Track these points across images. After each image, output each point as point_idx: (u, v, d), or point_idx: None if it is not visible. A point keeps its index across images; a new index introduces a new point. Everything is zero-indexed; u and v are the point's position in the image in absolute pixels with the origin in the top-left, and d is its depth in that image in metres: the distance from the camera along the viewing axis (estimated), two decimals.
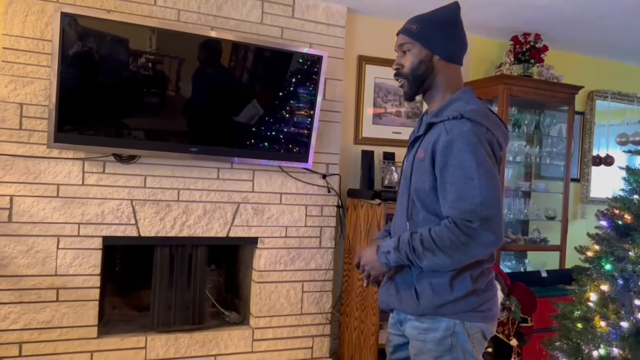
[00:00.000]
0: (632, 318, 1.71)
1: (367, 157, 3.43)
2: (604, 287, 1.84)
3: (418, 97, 1.69)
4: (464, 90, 1.61)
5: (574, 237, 3.57)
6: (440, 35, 1.59)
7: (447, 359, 1.52)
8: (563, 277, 3.37)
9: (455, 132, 1.47)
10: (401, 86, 1.65)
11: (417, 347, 1.58)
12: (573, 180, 4.21)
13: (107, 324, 3.03)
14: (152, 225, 2.90)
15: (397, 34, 1.66)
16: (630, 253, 1.77)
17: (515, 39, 3.77)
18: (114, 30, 2.61)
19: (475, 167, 1.42)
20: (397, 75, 1.65)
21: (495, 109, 3.60)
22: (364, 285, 1.68)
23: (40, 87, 2.68)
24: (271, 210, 3.18)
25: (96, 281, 2.81)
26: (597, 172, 4.42)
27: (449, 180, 1.46)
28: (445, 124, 1.50)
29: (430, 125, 1.57)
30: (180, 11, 2.92)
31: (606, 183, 4.32)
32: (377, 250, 1.58)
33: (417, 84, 1.62)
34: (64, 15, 2.48)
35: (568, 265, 3.61)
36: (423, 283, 1.54)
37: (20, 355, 2.66)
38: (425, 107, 1.72)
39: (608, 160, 4.28)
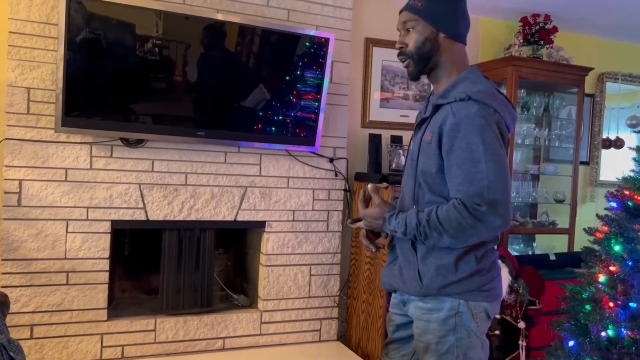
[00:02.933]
0: None
1: (375, 140, 3.41)
2: (613, 268, 1.83)
3: (426, 80, 1.67)
4: (470, 70, 1.58)
5: (583, 220, 3.55)
6: (445, 11, 1.55)
7: (451, 338, 1.53)
8: (571, 260, 3.36)
9: (462, 114, 1.45)
10: (406, 66, 1.62)
11: (421, 327, 1.59)
12: (582, 163, 4.18)
13: (116, 307, 3.06)
14: (160, 209, 2.92)
15: (400, 12, 1.62)
16: None
17: (524, 20, 3.72)
18: (120, 13, 2.60)
19: (483, 150, 1.41)
20: (401, 54, 1.61)
21: (504, 91, 3.56)
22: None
23: (47, 71, 2.68)
24: (278, 194, 3.18)
25: (105, 265, 2.83)
26: (607, 155, 4.38)
27: (455, 163, 1.45)
28: (452, 105, 1.49)
29: (437, 107, 1.55)
30: None
31: (616, 166, 4.28)
32: (383, 222, 1.59)
33: (423, 62, 1.58)
34: None
35: (577, 248, 3.59)
36: (427, 264, 1.54)
37: (31, 338, 2.70)
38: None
39: (618, 143, 4.24)
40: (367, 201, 1.67)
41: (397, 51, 1.63)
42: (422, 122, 1.62)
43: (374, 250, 1.71)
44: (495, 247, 1.61)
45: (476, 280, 1.52)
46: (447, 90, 1.56)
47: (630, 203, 1.88)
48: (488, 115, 1.45)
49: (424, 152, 1.55)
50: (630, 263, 1.80)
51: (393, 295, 1.74)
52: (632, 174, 1.95)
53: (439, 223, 1.45)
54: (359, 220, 1.68)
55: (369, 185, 1.66)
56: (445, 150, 1.48)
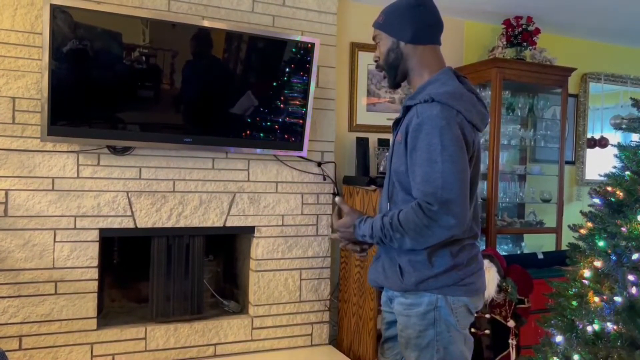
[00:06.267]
0: (625, 293, 1.72)
1: (362, 144, 3.43)
2: (598, 264, 1.84)
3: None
4: (442, 72, 1.62)
5: (570, 219, 3.56)
6: (400, 20, 1.63)
7: (431, 332, 1.56)
8: (559, 259, 3.38)
9: (424, 115, 1.49)
10: (383, 76, 1.73)
11: (402, 323, 1.62)
12: (568, 162, 4.22)
13: (106, 316, 3.05)
14: (148, 217, 2.91)
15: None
16: (622, 229, 1.77)
17: (507, 23, 3.77)
18: (105, 21, 2.60)
19: (440, 151, 1.45)
20: (377, 67, 1.73)
21: (488, 92, 3.60)
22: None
23: (32, 80, 2.68)
24: (267, 199, 3.19)
25: (94, 273, 2.82)
26: (592, 154, 4.44)
27: (417, 163, 1.50)
28: (417, 107, 1.53)
29: (407, 108, 1.60)
30: (171, 1, 2.91)
31: (601, 165, 4.33)
32: (354, 230, 1.62)
33: (392, 72, 1.68)
34: (53, 7, 2.47)
35: (564, 247, 3.63)
36: (404, 260, 1.58)
37: (20, 349, 2.68)
38: None
39: (602, 143, 4.29)
40: (340, 214, 1.71)
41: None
42: (397, 123, 1.68)
43: (359, 250, 1.72)
44: (475, 242, 1.63)
45: (453, 275, 1.54)
46: (417, 92, 1.62)
47: (612, 199, 1.91)
48: (450, 117, 1.48)
49: (396, 152, 1.60)
50: (614, 258, 1.82)
51: (382, 293, 1.76)
52: (614, 170, 1.98)
53: (399, 225, 1.48)
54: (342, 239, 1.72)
55: (337, 198, 1.72)
56: (409, 150, 1.53)
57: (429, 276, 1.54)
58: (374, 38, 1.71)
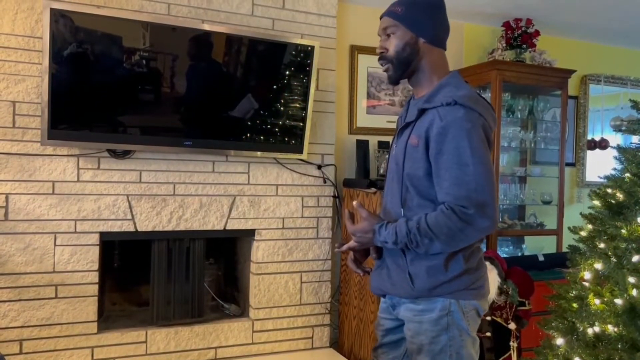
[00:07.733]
0: (625, 295, 1.72)
1: (362, 146, 3.43)
2: (598, 266, 1.85)
3: (410, 86, 1.70)
4: (451, 75, 1.61)
5: (571, 221, 3.56)
6: (425, 17, 1.59)
7: (444, 338, 1.54)
8: (560, 261, 3.37)
9: (449, 118, 1.47)
10: (385, 70, 1.64)
11: (413, 329, 1.59)
12: (568, 164, 4.22)
13: (107, 320, 3.05)
14: (148, 220, 2.91)
15: (381, 17, 1.65)
16: (622, 231, 1.78)
17: (506, 25, 3.77)
18: (105, 25, 2.60)
19: (470, 153, 1.44)
20: (382, 59, 1.64)
21: (488, 95, 3.60)
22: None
23: (32, 84, 2.68)
24: (267, 202, 3.19)
25: (94, 277, 2.82)
26: (592, 156, 4.43)
27: (443, 167, 1.47)
28: (438, 110, 1.50)
29: (422, 111, 1.57)
30: (171, 5, 2.92)
31: (602, 167, 4.33)
32: (373, 235, 1.57)
33: (403, 67, 1.61)
34: (53, 11, 2.48)
35: (565, 249, 3.62)
36: (417, 266, 1.54)
37: (20, 353, 2.68)
38: None
39: (603, 144, 4.29)
40: (352, 218, 1.67)
41: (378, 55, 1.66)
42: (406, 126, 1.63)
43: (361, 274, 1.72)
44: (480, 246, 1.62)
45: (465, 279, 1.53)
46: (431, 94, 1.58)
47: (612, 201, 1.91)
48: (474, 119, 1.47)
49: (410, 156, 1.56)
50: (614, 260, 1.82)
51: (382, 300, 1.75)
52: (614, 172, 1.98)
53: (429, 229, 1.45)
54: (345, 243, 1.67)
55: (354, 202, 1.66)
56: (433, 154, 1.50)
57: (443, 281, 1.52)
58: (385, 29, 1.61)
